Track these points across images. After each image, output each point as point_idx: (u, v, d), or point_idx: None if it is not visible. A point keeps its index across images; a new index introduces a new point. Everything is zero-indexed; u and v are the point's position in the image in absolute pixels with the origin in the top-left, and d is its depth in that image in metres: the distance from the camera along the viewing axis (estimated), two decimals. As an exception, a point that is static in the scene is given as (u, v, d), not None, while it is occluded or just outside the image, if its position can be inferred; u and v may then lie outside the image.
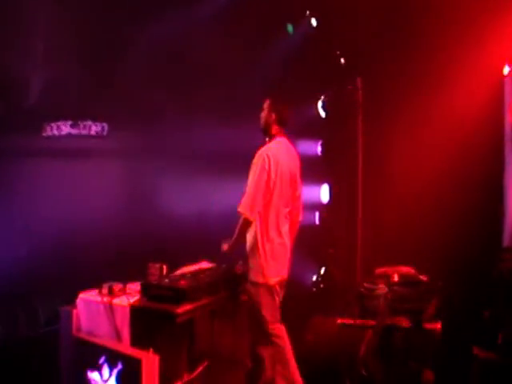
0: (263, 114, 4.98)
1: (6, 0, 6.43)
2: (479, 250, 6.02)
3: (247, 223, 4.67)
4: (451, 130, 6.37)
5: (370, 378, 4.92)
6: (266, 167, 4.63)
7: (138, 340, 4.22)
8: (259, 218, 4.68)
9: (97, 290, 4.61)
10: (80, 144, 7.81)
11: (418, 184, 6.51)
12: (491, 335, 4.74)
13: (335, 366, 5.08)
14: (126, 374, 4.09)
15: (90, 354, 4.32)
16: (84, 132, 7.88)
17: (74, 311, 4.57)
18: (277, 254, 4.74)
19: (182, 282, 4.42)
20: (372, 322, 5.01)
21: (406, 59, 6.77)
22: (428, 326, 4.85)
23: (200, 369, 4.90)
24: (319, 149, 8.01)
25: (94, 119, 7.91)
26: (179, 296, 4.21)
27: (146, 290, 4.40)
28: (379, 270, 5.43)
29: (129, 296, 4.47)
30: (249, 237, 4.78)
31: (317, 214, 7.91)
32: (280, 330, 4.76)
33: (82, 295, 4.62)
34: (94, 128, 7.91)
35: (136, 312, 4.29)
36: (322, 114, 7.88)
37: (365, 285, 5.23)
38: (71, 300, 4.68)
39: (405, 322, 4.88)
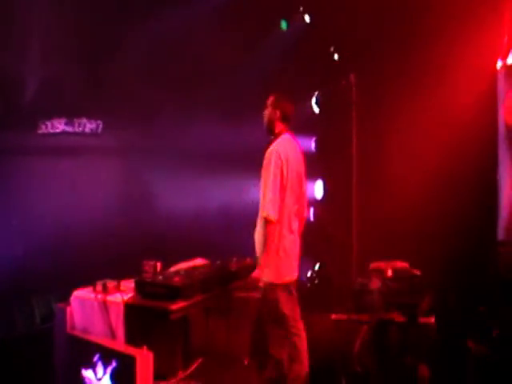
0: (267, 112, 4.90)
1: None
2: (474, 245, 6.05)
3: (273, 226, 4.56)
4: (445, 127, 6.40)
5: (365, 373, 4.94)
6: (279, 164, 4.57)
7: (132, 337, 4.23)
8: None
9: (91, 288, 4.61)
10: (75, 142, 7.79)
11: (412, 180, 6.53)
12: (486, 329, 4.76)
13: (330, 362, 5.10)
14: (120, 371, 4.07)
15: (85, 352, 4.32)
16: (79, 130, 7.86)
17: (68, 309, 4.57)
18: (290, 251, 4.67)
19: (176, 279, 4.42)
20: (367, 318, 5.03)
21: (399, 56, 6.80)
22: (423, 320, 4.87)
23: (195, 366, 4.91)
24: (313, 145, 8.02)
25: (89, 117, 7.89)
26: (173, 293, 4.21)
27: (140, 288, 4.40)
28: (373, 265, 5.44)
29: (123, 293, 4.46)
30: (260, 236, 4.67)
31: (311, 210, 7.92)
32: (299, 330, 4.68)
33: (76, 293, 4.62)
34: (89, 125, 7.89)
35: (130, 309, 4.29)
36: (316, 110, 7.89)
37: (359, 280, 5.25)
38: (66, 298, 4.69)
39: (399, 317, 4.89)
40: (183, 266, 5.02)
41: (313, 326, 4.79)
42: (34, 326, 6.34)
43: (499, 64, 6.07)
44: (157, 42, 7.49)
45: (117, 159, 7.89)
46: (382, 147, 7.01)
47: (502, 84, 6.04)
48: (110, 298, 4.42)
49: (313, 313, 5.27)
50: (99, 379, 4.20)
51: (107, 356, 4.16)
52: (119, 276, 4.77)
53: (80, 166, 7.51)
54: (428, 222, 6.47)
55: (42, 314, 6.49)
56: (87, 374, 4.29)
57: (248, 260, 5.36)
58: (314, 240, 7.72)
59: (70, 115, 7.71)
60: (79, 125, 7.82)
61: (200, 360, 4.99)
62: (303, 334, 4.70)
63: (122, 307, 4.30)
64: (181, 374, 4.70)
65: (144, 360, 4.00)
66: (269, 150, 4.67)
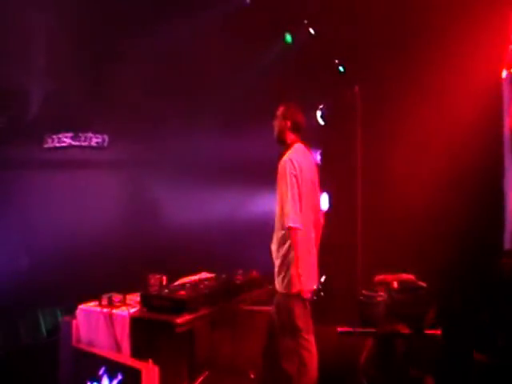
0: (277, 122, 4.82)
1: (5, 12, 6.46)
2: (479, 255, 6.02)
3: (299, 232, 4.46)
4: (450, 136, 6.38)
5: (371, 386, 4.93)
6: (294, 173, 4.49)
7: (137, 351, 4.23)
8: None
9: (97, 301, 4.63)
10: (81, 155, 7.83)
11: (418, 190, 6.52)
12: (491, 339, 4.74)
13: (336, 375, 5.08)
14: (126, 384, 4.09)
15: (90, 365, 4.34)
16: (85, 143, 7.90)
17: (74, 322, 4.60)
18: (308, 262, 4.60)
19: (182, 293, 4.43)
20: (372, 330, 5.01)
21: (404, 66, 6.79)
22: (428, 332, 4.85)
23: (200, 379, 4.91)
24: (319, 157, 8.02)
25: (95, 131, 7.93)
26: (179, 306, 4.22)
27: (145, 301, 4.41)
28: (379, 278, 5.42)
29: (128, 307, 4.48)
30: (277, 247, 4.63)
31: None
32: (310, 344, 4.62)
33: (81, 306, 4.65)
34: (95, 139, 7.93)
35: (136, 323, 4.30)
36: (321, 122, 7.90)
37: (364, 292, 5.23)
38: (72, 311, 4.71)
39: (405, 329, 4.88)
40: (189, 279, 5.04)
41: (318, 339, 4.77)
42: (39, 339, 6.36)
43: (504, 73, 6.08)
44: (161, 54, 7.54)
45: (123, 173, 7.93)
46: (387, 159, 6.99)
47: (506, 92, 6.04)
48: (115, 311, 4.44)
49: (318, 325, 5.25)
50: (105, 392, 4.22)
51: (113, 369, 4.17)
52: (125, 289, 4.78)
53: (86, 179, 7.55)
54: (434, 233, 6.45)
55: (47, 327, 6.51)
56: (93, 387, 4.30)
57: (254, 273, 5.37)
58: (320, 252, 7.73)
59: (76, 129, 7.75)
60: (85, 139, 7.87)
61: (205, 373, 4.99)
62: (314, 350, 4.63)
63: (127, 320, 4.32)
64: (186, 387, 4.70)
65: (149, 373, 4.01)
66: (282, 160, 4.59)
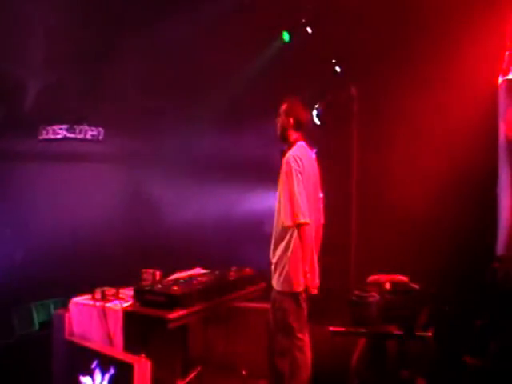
0: (280, 120, 4.70)
1: (2, 5, 6.44)
2: (472, 259, 6.03)
3: (309, 227, 4.38)
4: (446, 138, 6.40)
5: (363, 387, 4.94)
6: (298, 170, 4.39)
7: (130, 345, 4.23)
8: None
9: (90, 295, 4.62)
10: (76, 148, 7.82)
11: (412, 193, 6.52)
12: (483, 344, 4.76)
13: (327, 376, 5.08)
14: (118, 378, 4.08)
15: (83, 359, 4.33)
16: (80, 136, 7.89)
17: (67, 315, 4.59)
18: (312, 259, 4.47)
19: (175, 288, 4.43)
20: (364, 330, 5.01)
21: (401, 68, 6.80)
22: (420, 333, 4.86)
23: (193, 374, 4.91)
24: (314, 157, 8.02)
25: (90, 123, 7.92)
26: (172, 302, 4.21)
27: (138, 295, 4.40)
28: (371, 278, 5.43)
29: (121, 301, 4.48)
30: (275, 243, 4.58)
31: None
32: (305, 344, 4.57)
33: (74, 299, 4.64)
34: (90, 132, 7.93)
35: (129, 317, 4.30)
36: (317, 122, 7.90)
37: (356, 292, 5.23)
38: (65, 304, 4.70)
39: (397, 330, 4.89)
40: (182, 275, 5.03)
41: (311, 338, 4.77)
42: (32, 332, 6.34)
43: (500, 79, 6.09)
44: (158, 50, 7.53)
45: (118, 166, 7.92)
46: (382, 159, 7.00)
47: (502, 99, 6.05)
48: (108, 305, 4.43)
49: (311, 325, 5.26)
50: (97, 386, 4.22)
51: (105, 363, 4.17)
52: (118, 284, 4.78)
53: (80, 171, 7.54)
54: (428, 235, 6.46)
55: (40, 320, 6.50)
56: (85, 380, 4.29)
57: (247, 270, 5.37)
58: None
59: (72, 121, 7.74)
60: (80, 131, 7.86)
61: (198, 369, 4.99)
62: (308, 351, 4.58)
63: (120, 314, 4.32)
64: (179, 383, 4.69)
65: (142, 368, 4.00)
66: (286, 157, 4.51)
